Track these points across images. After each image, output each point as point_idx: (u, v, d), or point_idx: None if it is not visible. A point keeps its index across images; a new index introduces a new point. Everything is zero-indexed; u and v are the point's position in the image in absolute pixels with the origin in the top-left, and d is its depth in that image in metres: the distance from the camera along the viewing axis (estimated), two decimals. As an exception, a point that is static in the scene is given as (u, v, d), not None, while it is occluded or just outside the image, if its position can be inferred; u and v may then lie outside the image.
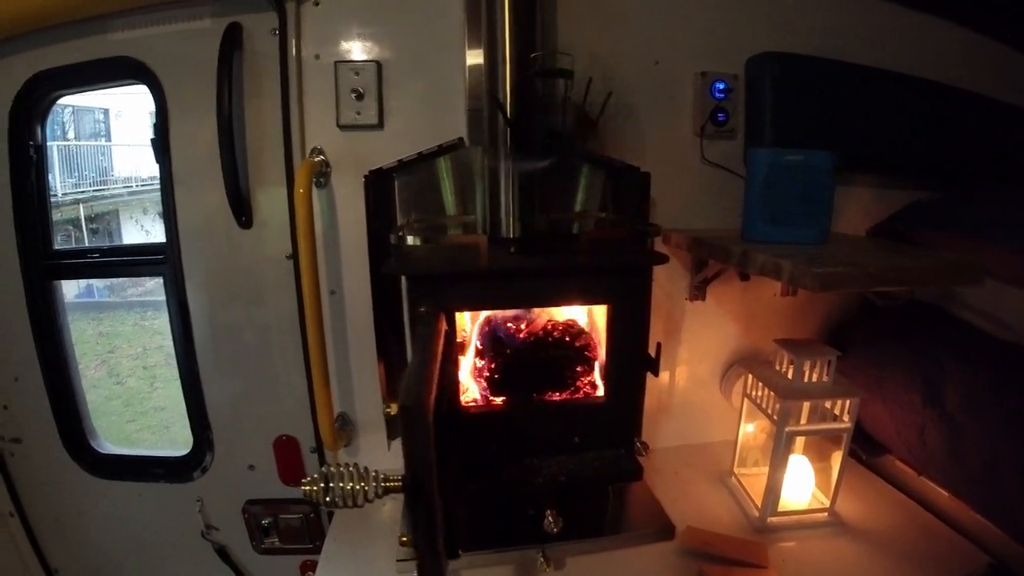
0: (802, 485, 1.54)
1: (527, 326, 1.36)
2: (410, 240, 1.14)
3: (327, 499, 0.75)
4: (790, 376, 1.45)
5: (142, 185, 12.41)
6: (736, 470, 1.67)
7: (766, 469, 1.50)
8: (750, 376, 1.57)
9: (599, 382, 1.34)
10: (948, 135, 1.76)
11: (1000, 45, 1.84)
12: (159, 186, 1.63)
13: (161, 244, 1.65)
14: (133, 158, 12.67)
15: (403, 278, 1.26)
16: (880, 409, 1.60)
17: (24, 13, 1.53)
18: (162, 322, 8.62)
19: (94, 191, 11.53)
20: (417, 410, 0.67)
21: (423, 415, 0.67)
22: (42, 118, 1.81)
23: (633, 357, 1.26)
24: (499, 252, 1.24)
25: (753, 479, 1.62)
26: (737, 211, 1.66)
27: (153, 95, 1.60)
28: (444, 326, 1.03)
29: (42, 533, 2.02)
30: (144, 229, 12.52)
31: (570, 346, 1.35)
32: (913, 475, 1.62)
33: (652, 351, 1.34)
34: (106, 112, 11.98)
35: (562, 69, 1.19)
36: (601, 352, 1.36)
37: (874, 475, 1.72)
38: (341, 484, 0.76)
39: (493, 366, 1.30)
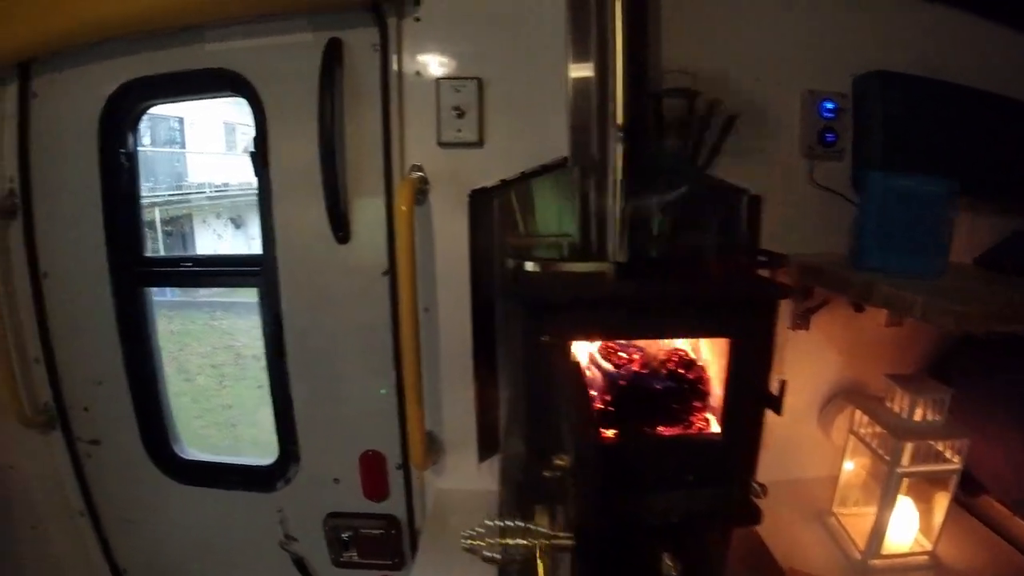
0: (905, 527, 1.48)
1: (639, 356, 1.32)
2: (531, 266, 1.11)
3: (490, 555, 0.72)
4: (903, 414, 1.39)
5: (216, 191, 12.99)
6: (836, 509, 1.60)
7: (867, 509, 1.45)
8: (857, 412, 1.51)
9: (711, 417, 1.30)
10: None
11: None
12: (256, 196, 1.63)
13: (256, 256, 1.66)
14: (206, 165, 13.27)
15: (512, 302, 1.22)
16: (982, 448, 1.53)
17: (118, 18, 1.53)
18: (231, 323, 8.95)
19: (169, 196, 11.92)
20: (591, 464, 0.64)
21: (596, 470, 0.64)
22: (133, 126, 1.83)
23: (753, 393, 1.21)
24: (622, 279, 1.20)
25: (854, 519, 1.55)
26: (842, 235, 1.61)
27: (252, 108, 1.60)
28: (576, 359, 1.00)
29: (113, 533, 2.06)
30: (216, 233, 13.12)
31: (684, 378, 1.31)
32: (1011, 518, 1.54)
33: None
34: (181, 120, 12.47)
35: (688, 89, 1.15)
36: (715, 386, 1.32)
37: (969, 515, 1.64)
38: (508, 540, 0.73)
39: (606, 398, 1.26)
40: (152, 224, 11.27)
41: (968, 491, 1.63)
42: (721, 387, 1.26)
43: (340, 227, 1.53)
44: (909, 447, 1.35)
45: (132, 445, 1.91)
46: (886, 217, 1.36)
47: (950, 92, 1.58)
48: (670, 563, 1.14)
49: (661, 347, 1.36)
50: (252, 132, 1.63)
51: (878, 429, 1.41)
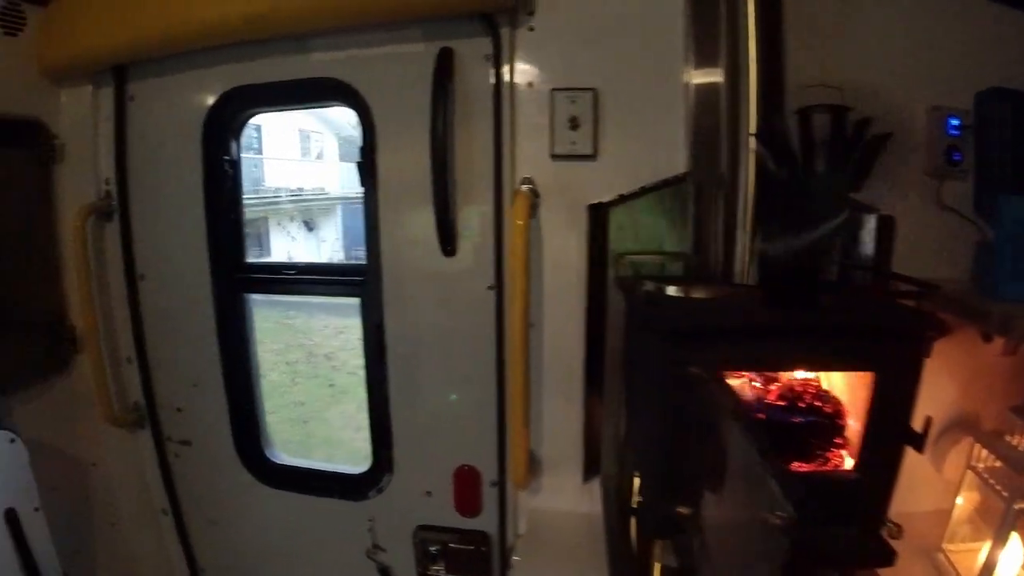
0: (1014, 564, 1.39)
1: (776, 388, 1.26)
2: (673, 291, 1.07)
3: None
4: (1024, 448, 1.30)
5: (290, 195, 13.60)
6: (945, 545, 1.52)
7: (976, 545, 1.37)
8: (976, 445, 1.43)
9: (845, 453, 1.24)
10: None
11: None
12: (322, 202, 1.63)
13: (359, 265, 1.66)
14: (281, 170, 13.91)
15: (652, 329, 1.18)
16: None
17: (219, 25, 1.55)
18: (303, 322, 9.16)
19: (247, 199, 12.36)
20: (817, 523, 0.59)
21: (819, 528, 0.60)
22: (237, 133, 1.85)
23: (895, 430, 1.14)
24: (776, 307, 1.14)
25: (962, 556, 1.46)
26: (964, 259, 1.52)
27: (360, 119, 1.60)
28: (734, 392, 0.96)
29: (195, 533, 2.09)
30: (290, 235, 13.74)
31: (821, 411, 1.25)
32: None
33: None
34: (259, 128, 13.01)
35: (838, 105, 1.09)
36: (851, 420, 1.25)
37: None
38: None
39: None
40: None
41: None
42: (859, 421, 1.20)
43: (448, 240, 1.51)
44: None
45: (224, 447, 1.93)
46: (1022, 244, 1.29)
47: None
48: (811, 605, 1.08)
49: (795, 378, 1.30)
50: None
51: (995, 463, 1.32)
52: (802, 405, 1.22)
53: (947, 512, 1.51)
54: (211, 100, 1.75)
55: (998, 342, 1.56)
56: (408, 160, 1.53)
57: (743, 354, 1.07)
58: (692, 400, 1.01)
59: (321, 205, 14.45)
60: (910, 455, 1.63)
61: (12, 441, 1.46)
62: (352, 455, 4.69)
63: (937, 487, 1.55)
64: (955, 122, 1.50)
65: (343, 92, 1.61)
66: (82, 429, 1.95)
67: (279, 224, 13.47)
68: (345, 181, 14.89)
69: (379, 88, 1.58)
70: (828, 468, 1.21)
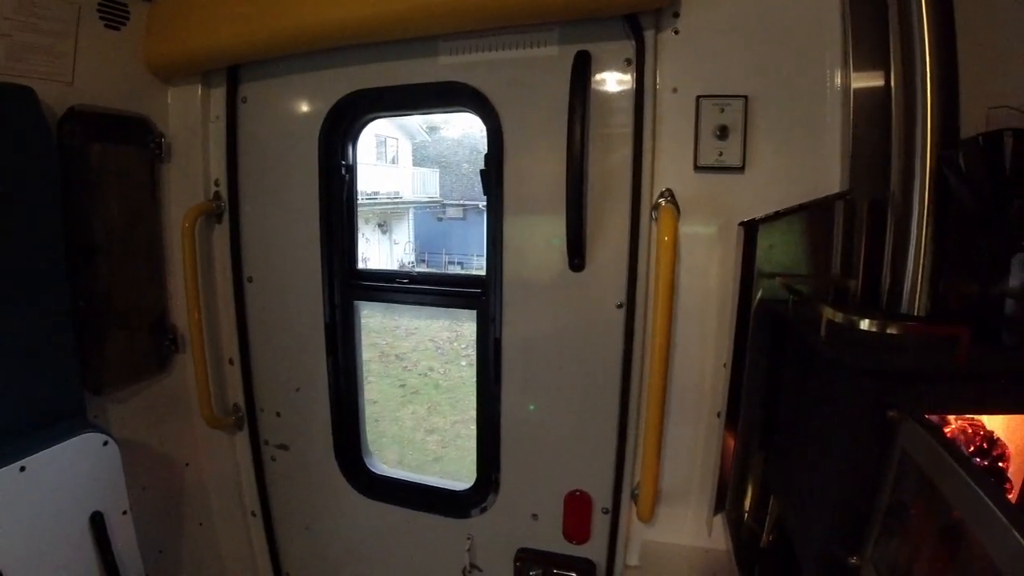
0: None
1: (948, 431, 1.13)
2: (866, 324, 0.95)
3: None
4: None
5: (366, 199, 13.52)
6: None
7: None
8: None
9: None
10: None
11: None
12: (395, 206, 1.59)
13: (477, 277, 1.60)
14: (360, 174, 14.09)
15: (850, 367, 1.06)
16: None
17: (341, 25, 1.50)
18: (377, 322, 9.32)
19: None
20: None
21: None
22: (355, 137, 1.83)
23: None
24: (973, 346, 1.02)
25: None
26: None
27: (487, 124, 1.54)
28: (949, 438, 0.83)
29: (284, 537, 2.07)
30: (365, 237, 13.66)
31: (989, 455, 1.11)
32: None
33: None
34: None
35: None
36: (1014, 465, 1.10)
37: None
38: None
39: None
40: None
41: None
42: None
43: (578, 254, 1.43)
44: None
45: (322, 454, 1.90)
46: None
47: None
48: None
49: (963, 420, 1.16)
50: (479, 150, 1.57)
51: None
52: (972, 450, 1.08)
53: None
54: (329, 103, 1.72)
55: None
56: (538, 169, 1.46)
57: (944, 396, 0.95)
58: (882, 443, 0.89)
59: (395, 209, 14.68)
60: None
61: (105, 444, 1.46)
62: (423, 457, 4.67)
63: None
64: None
65: (471, 97, 1.56)
66: (177, 429, 1.96)
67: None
68: (417, 186, 15.05)
69: (510, 93, 1.51)
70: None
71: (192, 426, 1.97)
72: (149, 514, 1.76)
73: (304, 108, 1.76)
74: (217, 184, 1.86)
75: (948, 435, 1.14)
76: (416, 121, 12.53)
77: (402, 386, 6.74)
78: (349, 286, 1.81)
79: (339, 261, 1.80)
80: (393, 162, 15.33)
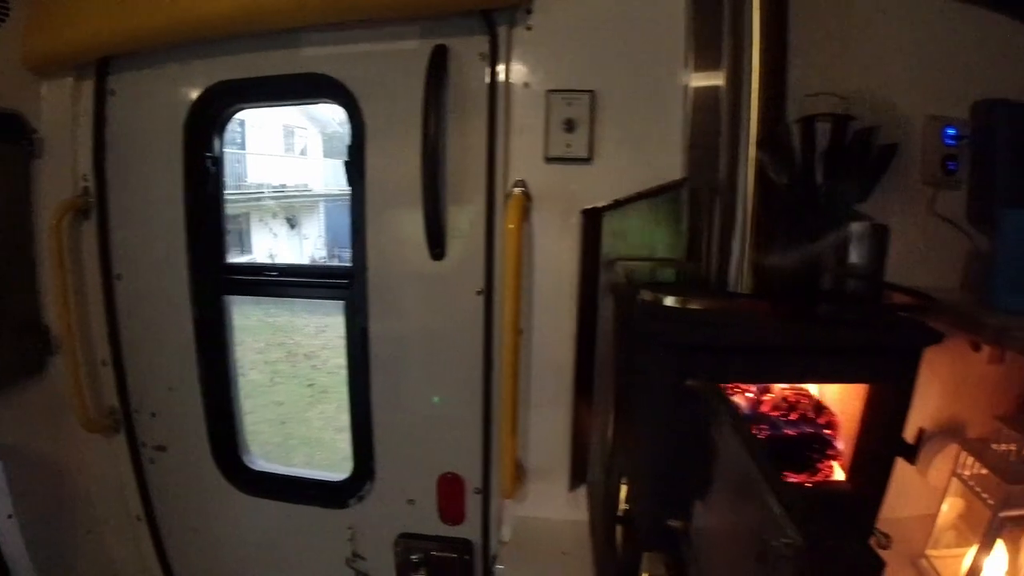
0: (998, 571, 1.39)
1: (769, 398, 1.25)
2: (671, 301, 1.04)
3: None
4: (1011, 457, 1.31)
5: (273, 191, 13.25)
6: (929, 552, 1.52)
7: (959, 551, 1.37)
8: (962, 453, 1.43)
9: (838, 464, 1.22)
10: None
11: None
12: (306, 199, 1.59)
13: (344, 268, 1.61)
14: (265, 166, 13.60)
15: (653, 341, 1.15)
16: None
17: (208, 18, 1.50)
18: (285, 320, 9.02)
19: (229, 195, 12.12)
20: (829, 552, 0.57)
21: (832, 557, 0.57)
22: (220, 129, 1.80)
23: (888, 441, 1.13)
24: (777, 320, 1.12)
25: (946, 561, 1.46)
26: (955, 268, 1.52)
27: (350, 116, 1.56)
28: (734, 405, 0.93)
29: (171, 540, 2.02)
30: (272, 232, 13.37)
31: (815, 423, 1.23)
32: None
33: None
34: (242, 123, 12.69)
35: (841, 115, 1.07)
36: (843, 432, 1.24)
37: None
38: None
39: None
40: None
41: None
42: (851, 432, 1.18)
43: (437, 243, 1.47)
44: (1015, 491, 1.27)
45: (200, 453, 1.87)
46: (1021, 256, 1.29)
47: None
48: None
49: (788, 389, 1.28)
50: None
51: (981, 471, 1.32)
52: (795, 416, 1.21)
53: (932, 518, 1.51)
54: (194, 95, 1.68)
55: (986, 350, 1.57)
56: (398, 160, 1.49)
57: (743, 367, 1.05)
58: (689, 412, 0.98)
59: (304, 202, 14.25)
60: (898, 463, 1.64)
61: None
62: (333, 456, 4.62)
63: (923, 493, 1.55)
64: (952, 132, 1.51)
65: (333, 89, 1.56)
66: (57, 434, 1.87)
67: (261, 221, 13.18)
68: (329, 178, 14.68)
69: (370, 86, 1.53)
70: (819, 479, 1.19)
71: (73, 430, 1.88)
72: (37, 523, 1.70)
73: (170, 100, 1.72)
74: (86, 179, 1.78)
75: (765, 403, 1.27)
76: (328, 111, 12.26)
77: (311, 385, 6.61)
78: (218, 281, 1.77)
79: (206, 255, 1.76)
80: (303, 154, 14.89)
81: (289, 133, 14.20)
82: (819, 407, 1.24)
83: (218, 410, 1.86)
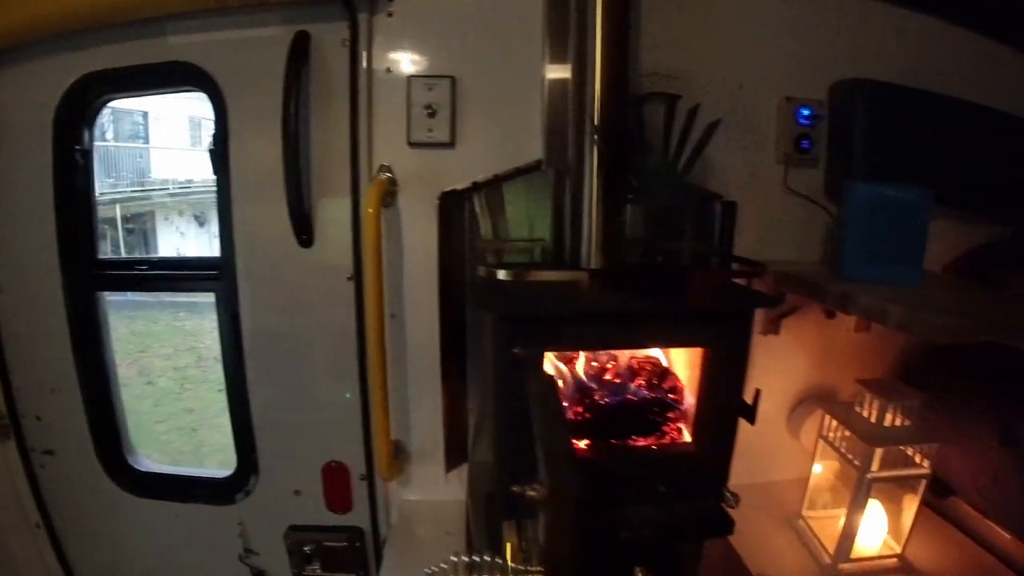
0: (874, 531, 1.48)
1: (613, 365, 1.29)
2: (503, 275, 1.06)
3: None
4: (873, 420, 1.38)
5: (179, 187, 12.55)
6: (805, 512, 1.60)
7: (836, 512, 1.44)
8: (827, 417, 1.50)
9: (685, 427, 1.27)
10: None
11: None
12: (215, 194, 1.56)
13: (215, 259, 1.58)
14: (170, 161, 12.80)
15: (483, 312, 1.18)
16: (951, 451, 1.54)
17: (74, 10, 1.45)
18: (194, 323, 8.75)
19: (131, 192, 11.56)
20: (570, 498, 0.60)
21: (575, 507, 0.60)
22: (90, 121, 1.74)
23: (727, 403, 1.18)
24: (600, 290, 1.16)
25: (822, 522, 1.55)
26: (815, 243, 1.60)
27: (213, 104, 1.53)
28: (550, 375, 0.96)
29: (71, 546, 1.95)
30: (179, 231, 12.65)
31: (659, 387, 1.28)
32: (980, 519, 1.55)
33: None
34: (145, 115, 12.06)
35: (668, 93, 1.11)
36: (688, 395, 1.29)
37: (938, 517, 1.65)
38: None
39: (580, 408, 1.22)
40: (113, 222, 10.94)
41: (938, 494, 1.64)
42: (695, 397, 1.23)
43: (303, 230, 1.47)
44: (879, 452, 1.35)
45: (86, 456, 1.81)
46: (867, 227, 1.37)
47: (926, 100, 1.59)
48: (643, 577, 1.11)
49: (635, 355, 1.33)
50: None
51: (847, 434, 1.40)
52: (641, 382, 1.25)
53: (807, 481, 1.59)
54: (62, 88, 1.63)
55: (851, 319, 1.65)
56: (261, 148, 1.47)
57: (569, 335, 1.08)
58: (520, 381, 1.01)
59: (213, 198, 13.58)
60: (772, 428, 1.72)
61: None
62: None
63: (798, 457, 1.63)
64: (806, 112, 1.58)
65: (196, 77, 1.53)
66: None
67: (167, 219, 12.51)
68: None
69: (233, 73, 1.51)
70: (666, 442, 1.24)
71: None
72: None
73: (38, 95, 1.64)
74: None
75: (609, 370, 1.31)
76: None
77: (221, 391, 6.26)
78: (91, 277, 1.72)
79: (78, 252, 1.71)
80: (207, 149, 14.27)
81: (196, 125, 13.47)
82: (664, 373, 1.28)
83: (100, 410, 1.80)
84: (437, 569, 0.66)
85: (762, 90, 1.56)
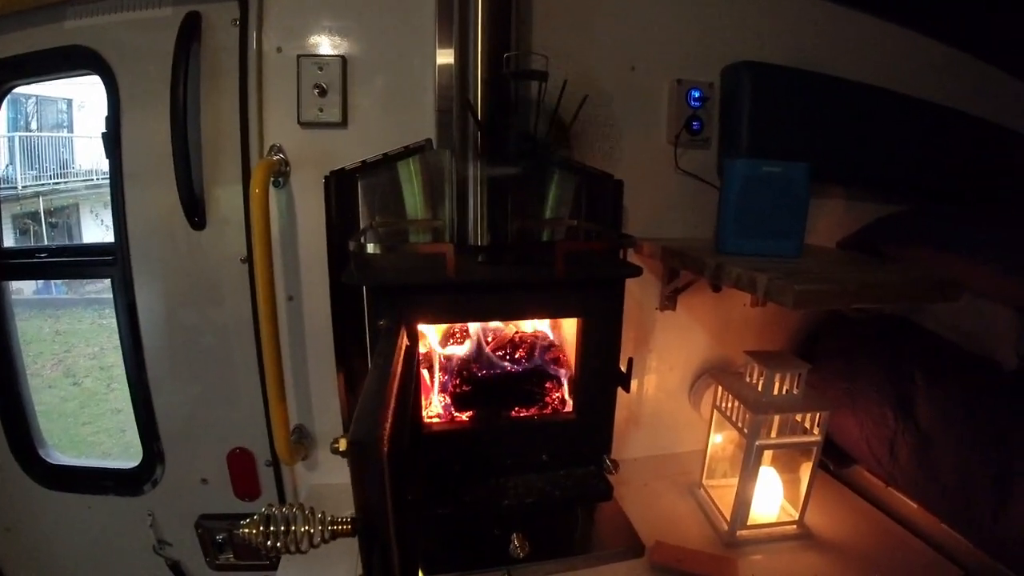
0: (771, 498, 1.52)
1: (494, 338, 1.31)
2: (371, 248, 1.07)
3: (268, 544, 0.68)
4: (760, 388, 1.42)
5: (103, 179, 11.94)
6: (705, 482, 1.65)
7: (734, 480, 1.48)
8: (719, 387, 1.55)
9: (567, 397, 1.30)
10: (926, 150, 1.76)
11: (982, 64, 1.85)
12: (109, 173, 1.52)
13: (111, 244, 1.56)
14: (95, 151, 11.99)
15: (365, 289, 1.19)
16: (850, 421, 1.60)
17: None
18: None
19: (54, 184, 11.12)
20: (369, 450, 0.61)
21: (376, 455, 0.62)
22: (-11, 109, 1.70)
23: (604, 372, 1.21)
24: (467, 262, 1.19)
25: (722, 491, 1.60)
26: (709, 221, 1.64)
27: (106, 86, 1.50)
28: (405, 342, 0.97)
29: None
30: (105, 224, 11.87)
31: (540, 360, 1.31)
32: (881, 486, 1.61)
33: (623, 365, 1.30)
34: (69, 103, 11.56)
35: (536, 71, 1.14)
36: (570, 365, 1.32)
37: (842, 485, 1.72)
38: (283, 528, 0.69)
39: (458, 381, 1.24)
40: (36, 215, 10.54)
41: (841, 463, 1.70)
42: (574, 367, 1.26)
43: (195, 212, 1.45)
44: (767, 420, 1.39)
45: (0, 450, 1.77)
46: (744, 202, 1.40)
47: (819, 82, 1.65)
48: (518, 544, 1.13)
49: (520, 329, 1.35)
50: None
51: (738, 404, 1.44)
52: (521, 355, 1.27)
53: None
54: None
55: (746, 295, 1.70)
56: (152, 130, 1.45)
57: (436, 307, 1.10)
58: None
59: None
60: (675, 401, 1.77)
61: None
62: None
63: (700, 429, 1.67)
64: (696, 94, 1.62)
65: (90, 60, 1.50)
66: None
67: (92, 211, 11.85)
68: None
69: (124, 55, 1.48)
70: (547, 412, 1.26)
71: None
72: None
73: None
74: None
75: (490, 344, 1.33)
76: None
77: None
78: (-8, 266, 1.68)
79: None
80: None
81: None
82: (549, 346, 1.31)
83: (9, 403, 1.76)
84: (250, 521, 0.67)
85: (655, 72, 1.60)
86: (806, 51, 1.66)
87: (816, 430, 1.43)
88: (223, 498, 1.69)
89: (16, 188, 10.01)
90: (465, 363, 1.26)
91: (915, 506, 1.49)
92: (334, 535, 0.69)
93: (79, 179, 11.67)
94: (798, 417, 1.43)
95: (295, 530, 0.68)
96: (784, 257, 1.39)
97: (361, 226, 1.41)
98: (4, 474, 1.79)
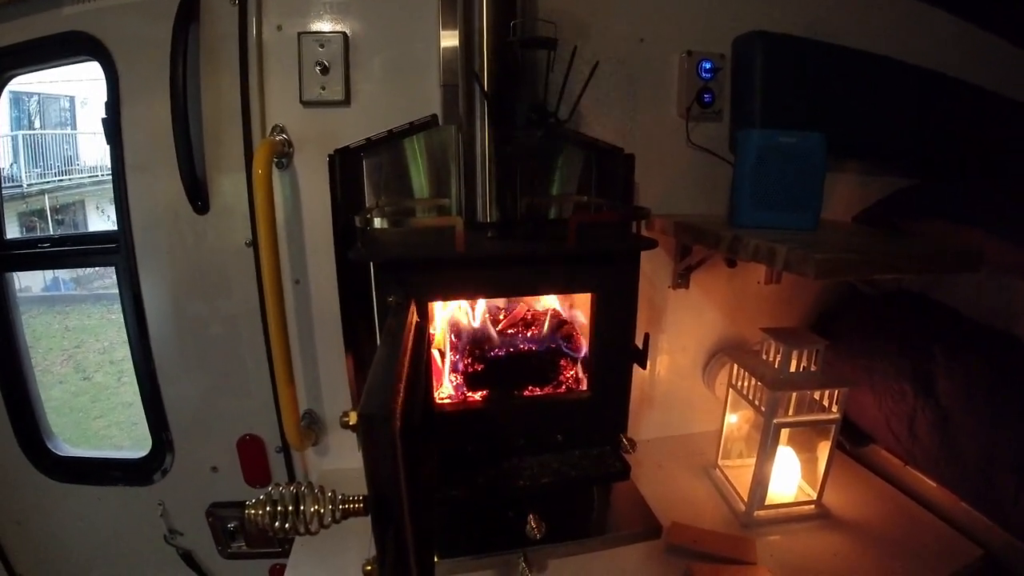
0: (788, 477, 1.50)
1: (506, 316, 1.28)
2: (378, 223, 1.05)
3: (276, 525, 0.66)
4: (777, 366, 1.39)
5: (107, 174, 11.96)
6: (720, 462, 1.62)
7: (751, 461, 1.45)
8: (735, 366, 1.52)
9: (582, 375, 1.27)
10: (938, 123, 1.72)
11: (992, 36, 1.80)
12: (111, 160, 1.51)
13: (114, 232, 1.54)
14: (99, 146, 12.01)
15: (372, 266, 1.17)
16: (868, 398, 1.57)
17: None
18: None
19: (59, 181, 11.15)
20: (380, 422, 0.59)
21: (387, 428, 0.59)
22: (-10, 99, 1.68)
23: (619, 349, 1.18)
24: (477, 238, 1.16)
25: (738, 471, 1.58)
26: (722, 196, 1.61)
27: (106, 73, 1.48)
28: (415, 318, 0.95)
29: (4, 537, 1.91)
30: (110, 219, 12.03)
31: (553, 337, 1.28)
32: (899, 465, 1.58)
33: (639, 342, 1.28)
34: (72, 100, 11.55)
35: (545, 38, 1.10)
36: (584, 343, 1.29)
37: (859, 465, 1.69)
38: (292, 507, 0.67)
39: (470, 360, 1.21)
40: (42, 212, 10.59)
41: (858, 442, 1.67)
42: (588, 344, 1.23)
43: (198, 197, 1.43)
44: (784, 398, 1.36)
45: (8, 443, 1.76)
46: (759, 174, 1.37)
47: (833, 53, 1.60)
48: (534, 525, 1.11)
49: (532, 306, 1.32)
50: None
51: (755, 382, 1.41)
52: (535, 332, 1.25)
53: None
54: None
55: (760, 272, 1.66)
56: (152, 113, 1.42)
57: (445, 282, 1.07)
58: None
59: None
60: (689, 381, 1.74)
61: None
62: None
63: (715, 409, 1.65)
64: (708, 65, 1.58)
65: (89, 45, 1.47)
66: None
67: (97, 207, 11.89)
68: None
69: (125, 40, 1.45)
70: (561, 391, 1.24)
71: None
72: None
73: None
74: None
75: (503, 322, 1.31)
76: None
77: None
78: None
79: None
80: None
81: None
82: (560, 323, 1.28)
83: (16, 395, 1.75)
84: (257, 501, 0.65)
85: (664, 44, 1.56)
86: (819, 21, 1.61)
87: (834, 407, 1.40)
88: (234, 486, 1.68)
89: (22, 186, 10.04)
90: (476, 342, 1.23)
91: (934, 485, 1.46)
92: (345, 514, 0.67)
93: (83, 175, 11.69)
94: (816, 395, 1.40)
95: (304, 510, 0.65)
96: (800, 230, 1.36)
97: (367, 206, 1.38)
98: (13, 468, 1.78)
